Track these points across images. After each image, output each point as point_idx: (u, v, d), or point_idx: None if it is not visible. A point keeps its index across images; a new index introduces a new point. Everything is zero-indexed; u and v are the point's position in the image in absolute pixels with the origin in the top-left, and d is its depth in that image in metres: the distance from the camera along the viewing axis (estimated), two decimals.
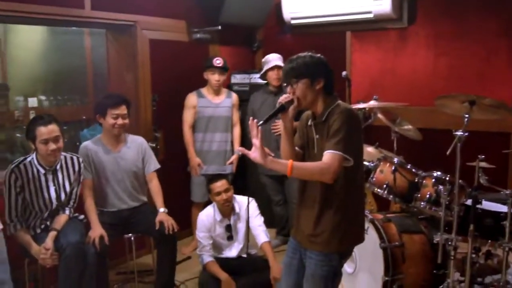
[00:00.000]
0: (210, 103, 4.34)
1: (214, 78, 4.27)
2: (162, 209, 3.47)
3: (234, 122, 4.48)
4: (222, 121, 4.38)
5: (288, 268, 2.48)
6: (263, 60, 4.37)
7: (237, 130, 4.48)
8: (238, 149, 2.25)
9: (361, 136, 2.30)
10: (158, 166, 3.65)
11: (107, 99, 3.45)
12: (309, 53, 2.30)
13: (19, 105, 5.08)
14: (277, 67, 4.19)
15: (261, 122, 2.21)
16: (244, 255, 3.69)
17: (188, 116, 4.33)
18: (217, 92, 4.37)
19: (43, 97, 5.33)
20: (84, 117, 5.30)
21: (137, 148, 3.55)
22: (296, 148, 2.40)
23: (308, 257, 2.34)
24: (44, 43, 5.35)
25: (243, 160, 4.56)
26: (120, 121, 3.36)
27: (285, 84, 2.36)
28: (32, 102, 5.18)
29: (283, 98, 2.28)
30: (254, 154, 2.10)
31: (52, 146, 2.98)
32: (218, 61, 4.25)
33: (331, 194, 2.24)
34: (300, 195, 2.39)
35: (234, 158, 4.43)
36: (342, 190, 2.24)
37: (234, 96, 4.51)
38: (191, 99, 4.34)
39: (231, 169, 4.41)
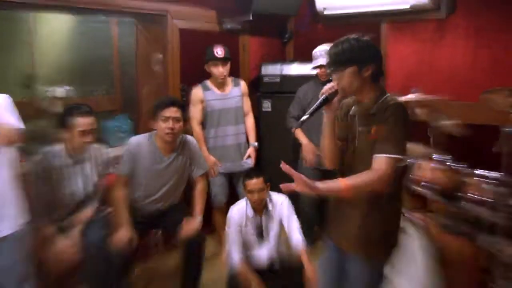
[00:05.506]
0: (217, 95, 4.05)
1: (217, 70, 3.97)
2: (199, 218, 3.32)
3: (246, 112, 4.21)
4: (232, 113, 4.10)
5: (324, 271, 2.35)
6: (313, 52, 4.03)
7: (250, 120, 4.23)
8: (283, 167, 1.97)
9: None
10: (206, 168, 3.52)
11: (157, 102, 3.25)
12: (356, 36, 2.12)
13: (46, 95, 5.03)
14: (323, 66, 3.86)
15: (304, 118, 2.09)
16: (276, 255, 3.57)
17: (196, 112, 4.02)
18: (223, 83, 4.09)
19: (69, 87, 5.27)
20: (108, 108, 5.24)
21: (186, 151, 3.36)
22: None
23: (351, 260, 2.20)
24: (71, 32, 5.28)
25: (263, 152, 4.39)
26: (170, 123, 3.11)
27: (330, 71, 2.15)
28: (59, 92, 5.14)
29: (326, 89, 2.12)
30: (299, 187, 1.99)
31: (89, 138, 2.94)
32: (219, 52, 3.93)
33: (377, 197, 2.07)
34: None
35: (250, 151, 4.19)
36: (388, 193, 2.07)
37: (242, 83, 4.23)
38: (197, 93, 4.03)
39: (250, 164, 4.18)
